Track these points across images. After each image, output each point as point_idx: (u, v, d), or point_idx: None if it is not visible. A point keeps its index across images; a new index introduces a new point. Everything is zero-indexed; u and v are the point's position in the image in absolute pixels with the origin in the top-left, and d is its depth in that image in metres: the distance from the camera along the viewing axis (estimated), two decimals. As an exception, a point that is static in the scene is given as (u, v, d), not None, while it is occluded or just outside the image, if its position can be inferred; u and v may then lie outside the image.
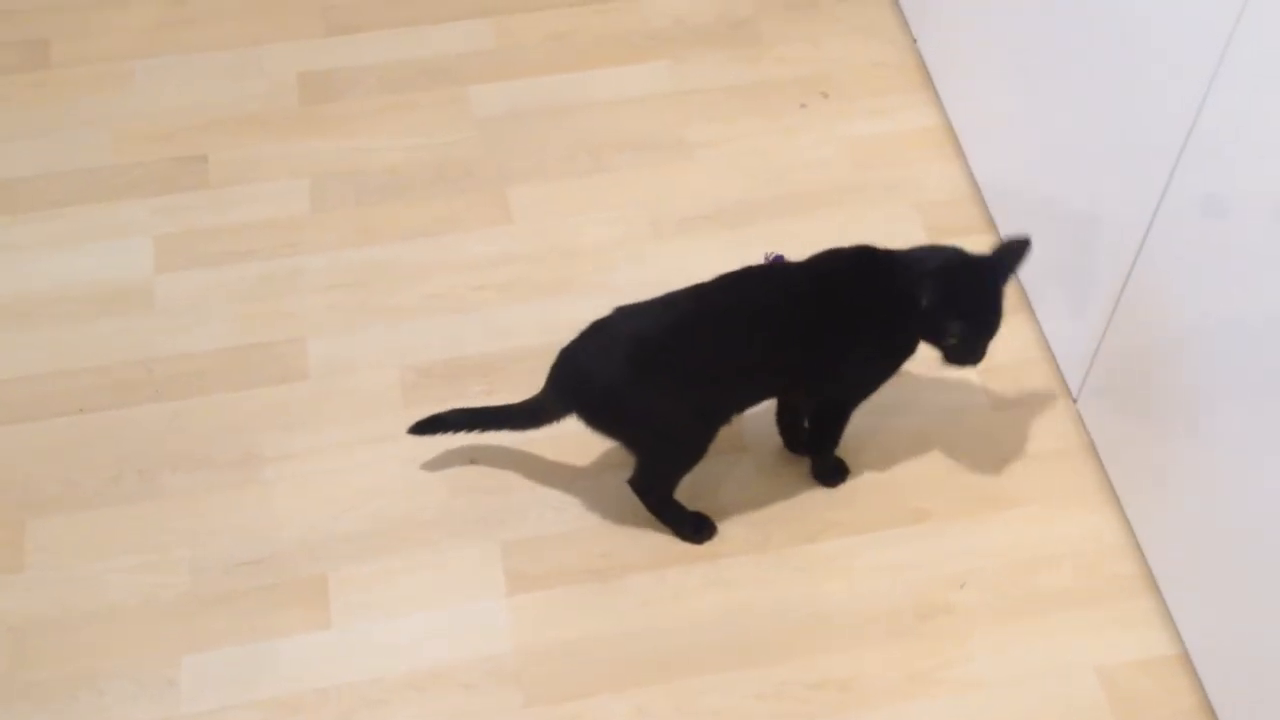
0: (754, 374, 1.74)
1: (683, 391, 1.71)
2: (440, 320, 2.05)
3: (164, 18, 2.45)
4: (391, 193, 2.20)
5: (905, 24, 2.43)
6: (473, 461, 1.88)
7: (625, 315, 1.72)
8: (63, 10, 2.45)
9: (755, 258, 2.11)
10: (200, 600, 1.79)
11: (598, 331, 1.71)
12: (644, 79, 2.36)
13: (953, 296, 1.66)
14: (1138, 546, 1.82)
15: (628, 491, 1.82)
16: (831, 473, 1.90)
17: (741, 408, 1.80)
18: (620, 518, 1.85)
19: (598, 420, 1.75)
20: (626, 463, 1.81)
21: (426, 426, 1.84)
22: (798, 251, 2.11)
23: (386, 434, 1.93)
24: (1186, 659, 1.73)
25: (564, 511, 1.87)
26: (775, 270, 1.80)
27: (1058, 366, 1.99)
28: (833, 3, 2.48)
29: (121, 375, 1.99)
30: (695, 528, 1.84)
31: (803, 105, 2.32)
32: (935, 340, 1.72)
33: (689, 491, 1.85)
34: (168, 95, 2.33)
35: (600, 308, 1.72)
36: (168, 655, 1.75)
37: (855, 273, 1.72)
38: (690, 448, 1.77)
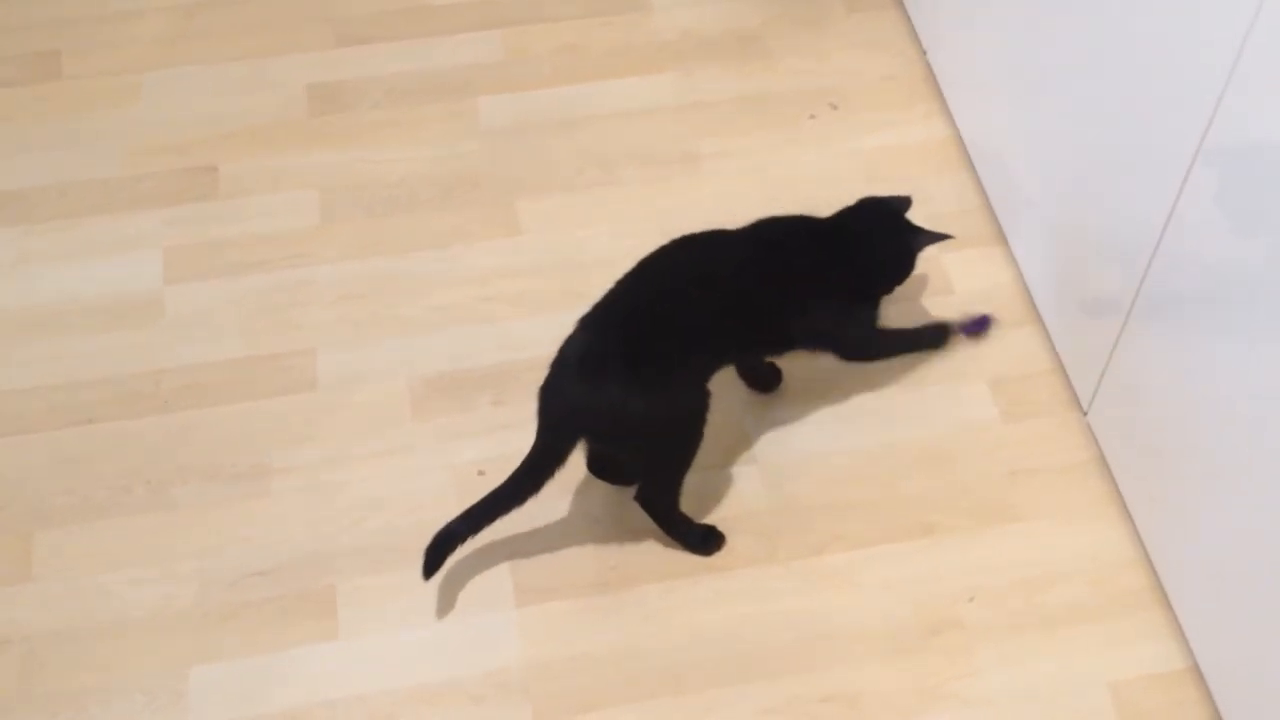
0: (731, 321, 1.76)
1: (679, 367, 1.72)
2: (449, 332, 2.06)
3: (174, 30, 2.45)
4: (400, 204, 2.21)
5: (915, 36, 2.43)
6: (481, 474, 1.88)
7: (594, 326, 1.73)
8: (73, 23, 2.46)
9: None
10: (209, 612, 1.79)
11: (577, 357, 1.71)
12: (653, 91, 2.36)
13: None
14: (1148, 560, 1.82)
15: (636, 505, 1.82)
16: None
17: (727, 363, 1.85)
18: (628, 531, 1.85)
19: (608, 438, 1.75)
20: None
21: (438, 554, 1.72)
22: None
23: (395, 446, 1.93)
24: (1197, 673, 1.72)
25: (572, 524, 1.87)
26: (716, 233, 1.84)
27: (1068, 379, 1.98)
28: (842, 15, 2.48)
29: (131, 386, 2.00)
30: (703, 540, 1.84)
31: (812, 117, 2.32)
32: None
33: (696, 504, 1.85)
34: (178, 107, 2.34)
35: (609, 320, 1.72)
36: (176, 667, 1.75)
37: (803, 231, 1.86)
38: (695, 427, 1.75)
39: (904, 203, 1.91)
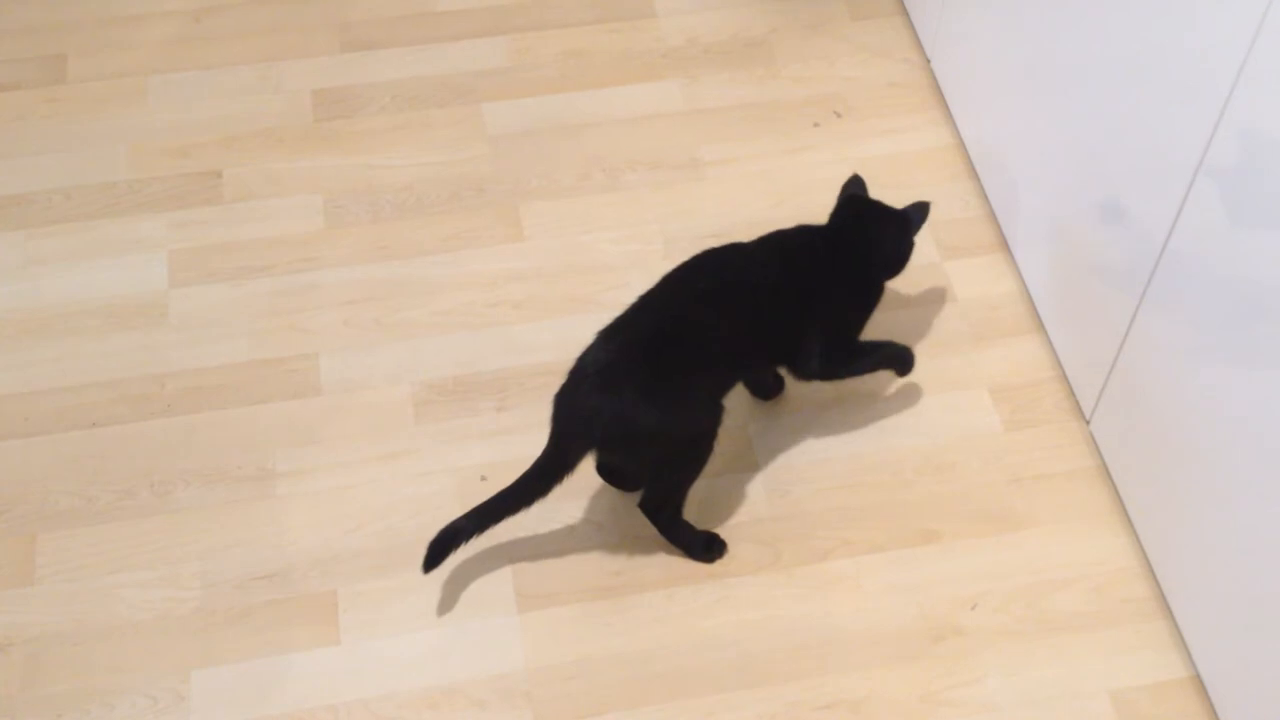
0: (746, 341, 1.78)
1: (691, 383, 1.73)
2: (453, 337, 2.06)
3: (180, 34, 2.46)
4: (405, 209, 2.21)
5: (919, 44, 2.43)
6: (484, 479, 1.88)
7: (615, 339, 1.73)
8: (80, 26, 2.47)
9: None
10: (211, 615, 1.80)
11: (596, 368, 1.71)
12: (658, 97, 2.37)
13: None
14: (1150, 569, 1.82)
15: (639, 511, 1.82)
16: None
17: (743, 378, 1.91)
18: (631, 537, 1.85)
19: (621, 448, 1.76)
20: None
21: (441, 549, 1.72)
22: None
23: (399, 450, 1.94)
24: (1198, 682, 1.73)
25: (575, 529, 1.87)
26: (735, 247, 1.86)
27: (1070, 387, 1.99)
28: (846, 22, 2.48)
29: (135, 390, 2.00)
30: (706, 547, 1.84)
31: (816, 124, 2.33)
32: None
33: (699, 510, 1.85)
34: (183, 111, 2.34)
35: (613, 326, 1.73)
36: (178, 670, 1.75)
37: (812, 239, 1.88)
38: (707, 442, 1.76)
39: (859, 184, 1.94)
